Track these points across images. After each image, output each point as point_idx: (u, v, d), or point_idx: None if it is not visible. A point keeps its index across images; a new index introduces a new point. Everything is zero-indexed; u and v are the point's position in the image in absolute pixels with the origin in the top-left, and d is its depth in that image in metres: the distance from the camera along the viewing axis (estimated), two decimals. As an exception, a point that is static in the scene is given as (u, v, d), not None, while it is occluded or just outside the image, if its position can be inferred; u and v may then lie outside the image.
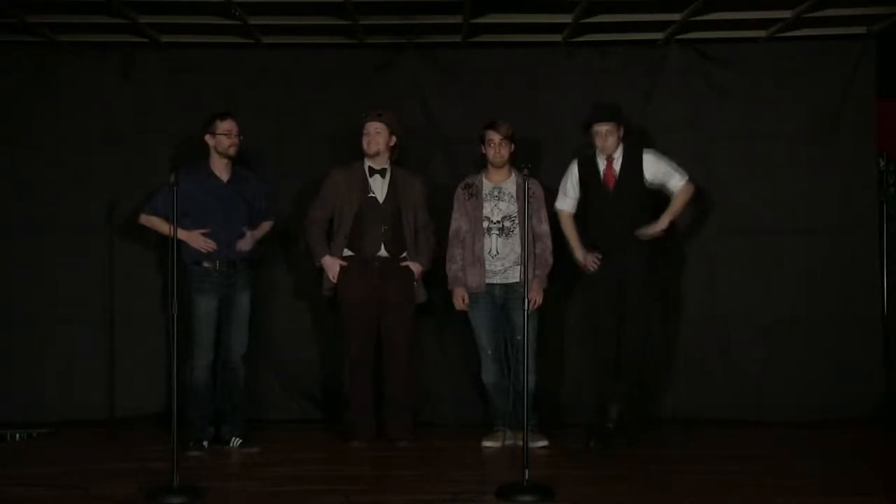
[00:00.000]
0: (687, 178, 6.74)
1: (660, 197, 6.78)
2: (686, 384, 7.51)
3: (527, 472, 5.33)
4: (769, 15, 7.25)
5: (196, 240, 6.56)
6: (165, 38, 7.57)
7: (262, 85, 7.65)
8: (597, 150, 6.74)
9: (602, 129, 6.67)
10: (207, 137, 6.70)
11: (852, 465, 6.31)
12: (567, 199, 6.91)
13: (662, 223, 6.68)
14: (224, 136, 6.67)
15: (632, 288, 6.64)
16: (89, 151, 7.57)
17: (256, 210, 6.83)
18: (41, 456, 6.53)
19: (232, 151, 6.70)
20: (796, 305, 7.56)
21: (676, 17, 7.19)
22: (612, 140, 6.68)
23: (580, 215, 6.90)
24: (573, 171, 6.86)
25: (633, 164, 6.70)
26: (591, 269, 6.76)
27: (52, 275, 7.52)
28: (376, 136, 6.76)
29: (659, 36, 7.57)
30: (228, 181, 6.73)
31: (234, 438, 6.69)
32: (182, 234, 6.45)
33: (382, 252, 6.76)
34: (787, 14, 7.17)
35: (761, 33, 7.54)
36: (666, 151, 7.24)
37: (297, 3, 7.02)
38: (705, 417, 7.48)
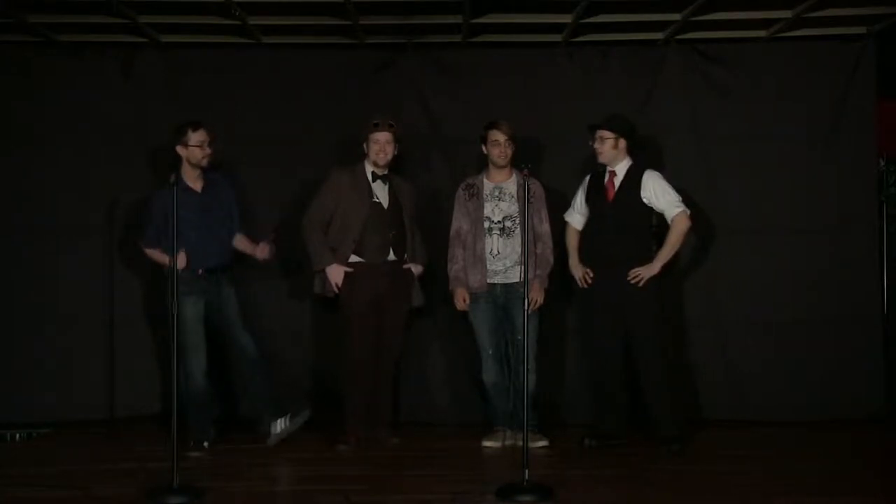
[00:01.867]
0: (682, 209, 6.64)
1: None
2: (686, 384, 7.49)
3: (527, 472, 5.33)
4: (769, 15, 7.25)
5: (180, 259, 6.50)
6: (165, 38, 7.56)
7: (262, 85, 7.64)
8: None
9: (596, 134, 6.68)
10: (179, 148, 6.67)
11: (852, 465, 6.32)
12: (574, 214, 6.94)
13: (654, 267, 6.59)
14: (197, 148, 6.63)
15: (635, 305, 6.59)
16: (89, 151, 7.56)
17: (233, 218, 6.85)
18: (41, 456, 6.53)
19: (204, 163, 6.67)
20: (796, 305, 7.56)
21: (676, 17, 7.19)
22: (605, 148, 6.66)
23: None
24: (583, 185, 6.88)
25: (633, 181, 6.68)
26: (583, 285, 6.80)
27: (53, 275, 7.52)
28: (387, 146, 6.75)
29: (659, 36, 7.56)
30: (202, 190, 6.72)
31: (275, 421, 6.64)
32: (162, 258, 6.53)
33: (391, 256, 6.78)
34: (787, 14, 7.17)
35: (761, 33, 7.54)
36: (666, 151, 7.25)
37: (297, 3, 7.01)
38: (705, 417, 7.48)
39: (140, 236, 6.84)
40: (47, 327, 7.49)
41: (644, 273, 6.58)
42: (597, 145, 6.69)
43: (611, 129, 6.66)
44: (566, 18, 7.22)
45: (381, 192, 6.82)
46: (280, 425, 6.70)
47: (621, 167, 6.71)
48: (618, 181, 6.70)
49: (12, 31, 7.37)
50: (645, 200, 6.65)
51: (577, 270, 6.85)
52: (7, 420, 7.27)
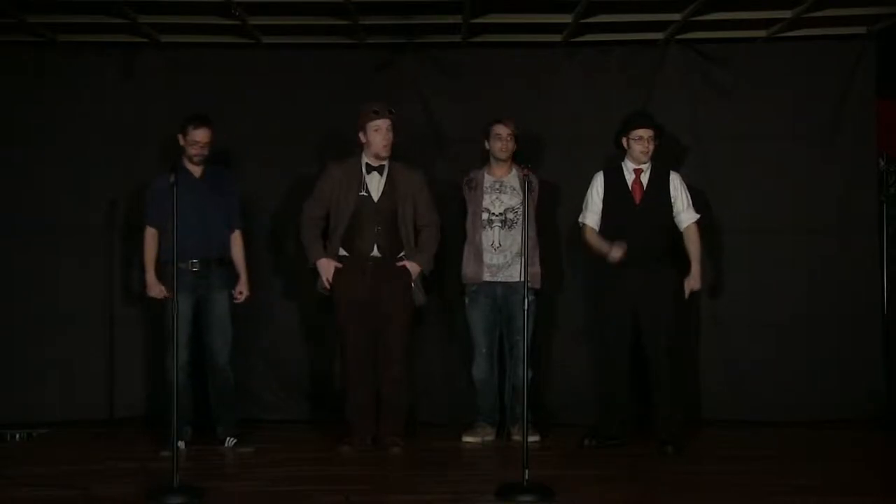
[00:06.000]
0: (697, 217, 6.74)
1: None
2: (686, 384, 7.48)
3: (527, 471, 5.33)
4: (769, 15, 7.25)
5: (153, 287, 6.62)
6: (165, 38, 7.56)
7: (262, 85, 7.64)
8: (626, 161, 6.71)
9: (647, 133, 6.64)
10: (179, 137, 6.67)
11: (852, 465, 6.32)
12: (592, 214, 6.76)
13: (698, 283, 6.73)
14: (191, 145, 6.60)
15: (654, 306, 6.58)
16: (89, 151, 7.56)
17: (232, 210, 6.80)
18: (41, 456, 6.53)
19: (196, 160, 6.64)
20: (797, 305, 7.56)
21: (676, 17, 7.19)
22: (653, 147, 6.66)
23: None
24: (597, 184, 6.76)
25: (660, 180, 6.69)
26: (619, 256, 6.55)
27: (53, 275, 7.51)
28: (388, 134, 6.55)
29: (659, 36, 7.56)
30: (202, 177, 6.69)
31: (228, 438, 6.67)
32: (149, 277, 6.61)
33: (375, 253, 6.60)
34: (787, 14, 7.17)
35: (761, 33, 7.54)
36: (666, 151, 7.24)
37: (297, 3, 7.02)
38: (705, 417, 7.48)
39: (144, 216, 6.76)
40: (47, 327, 7.49)
41: (695, 286, 6.70)
42: (646, 146, 6.63)
43: (656, 128, 6.69)
44: (566, 18, 7.23)
45: (373, 185, 6.61)
46: (230, 442, 6.67)
47: (647, 166, 6.71)
48: (645, 179, 6.68)
49: (12, 31, 7.37)
50: (672, 199, 6.69)
51: (616, 250, 6.53)
52: (7, 420, 7.26)
